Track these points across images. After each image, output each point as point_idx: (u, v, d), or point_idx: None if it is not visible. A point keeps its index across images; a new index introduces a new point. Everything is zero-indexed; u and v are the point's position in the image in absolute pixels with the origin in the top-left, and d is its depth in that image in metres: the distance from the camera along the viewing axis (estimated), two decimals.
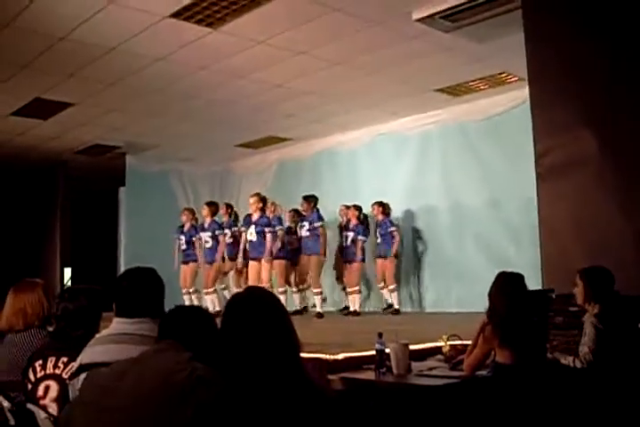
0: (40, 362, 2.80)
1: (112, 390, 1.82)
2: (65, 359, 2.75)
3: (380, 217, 8.76)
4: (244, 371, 1.78)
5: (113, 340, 2.43)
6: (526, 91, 5.08)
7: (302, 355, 1.92)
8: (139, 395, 1.76)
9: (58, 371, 2.75)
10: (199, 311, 2.23)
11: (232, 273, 9.37)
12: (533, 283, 4.39)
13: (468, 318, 5.51)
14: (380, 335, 3.51)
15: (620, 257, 4.23)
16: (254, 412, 1.69)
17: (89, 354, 2.42)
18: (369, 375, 3.53)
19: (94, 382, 1.92)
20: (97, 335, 2.62)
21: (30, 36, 6.22)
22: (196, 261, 9.25)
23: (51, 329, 3.22)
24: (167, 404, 1.73)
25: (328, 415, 1.77)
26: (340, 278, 9.35)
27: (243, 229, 8.86)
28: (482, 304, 3.33)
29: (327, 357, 3.72)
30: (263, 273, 8.45)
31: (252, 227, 8.57)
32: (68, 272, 12.78)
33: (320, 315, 8.18)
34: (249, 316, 1.86)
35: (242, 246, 8.85)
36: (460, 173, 8.87)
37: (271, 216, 8.69)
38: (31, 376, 2.78)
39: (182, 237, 9.32)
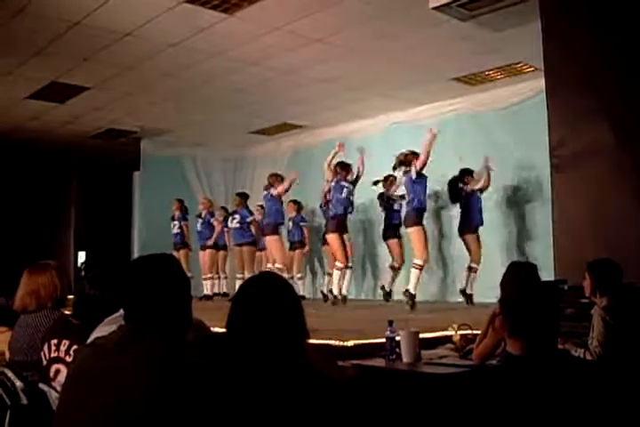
0: (55, 341, 2.81)
1: (96, 376, 1.78)
2: (77, 347, 2.77)
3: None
4: (247, 355, 1.80)
5: None
6: (542, 81, 5.03)
7: (312, 341, 1.92)
8: (125, 385, 1.72)
9: (68, 358, 2.76)
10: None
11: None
12: (549, 275, 4.39)
13: (480, 309, 5.53)
14: (391, 323, 3.51)
15: (636, 248, 4.21)
16: (254, 396, 1.70)
17: (100, 333, 2.43)
18: (379, 362, 3.54)
19: (80, 366, 1.89)
20: (110, 317, 2.63)
21: (44, 22, 6.23)
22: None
23: (67, 312, 3.24)
24: (160, 394, 1.70)
25: (332, 402, 1.77)
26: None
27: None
28: (494, 295, 3.32)
29: (337, 343, 3.73)
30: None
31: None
32: (82, 256, 12.88)
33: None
34: (261, 299, 1.87)
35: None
36: (476, 162, 8.80)
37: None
38: (46, 352, 2.81)
39: None
